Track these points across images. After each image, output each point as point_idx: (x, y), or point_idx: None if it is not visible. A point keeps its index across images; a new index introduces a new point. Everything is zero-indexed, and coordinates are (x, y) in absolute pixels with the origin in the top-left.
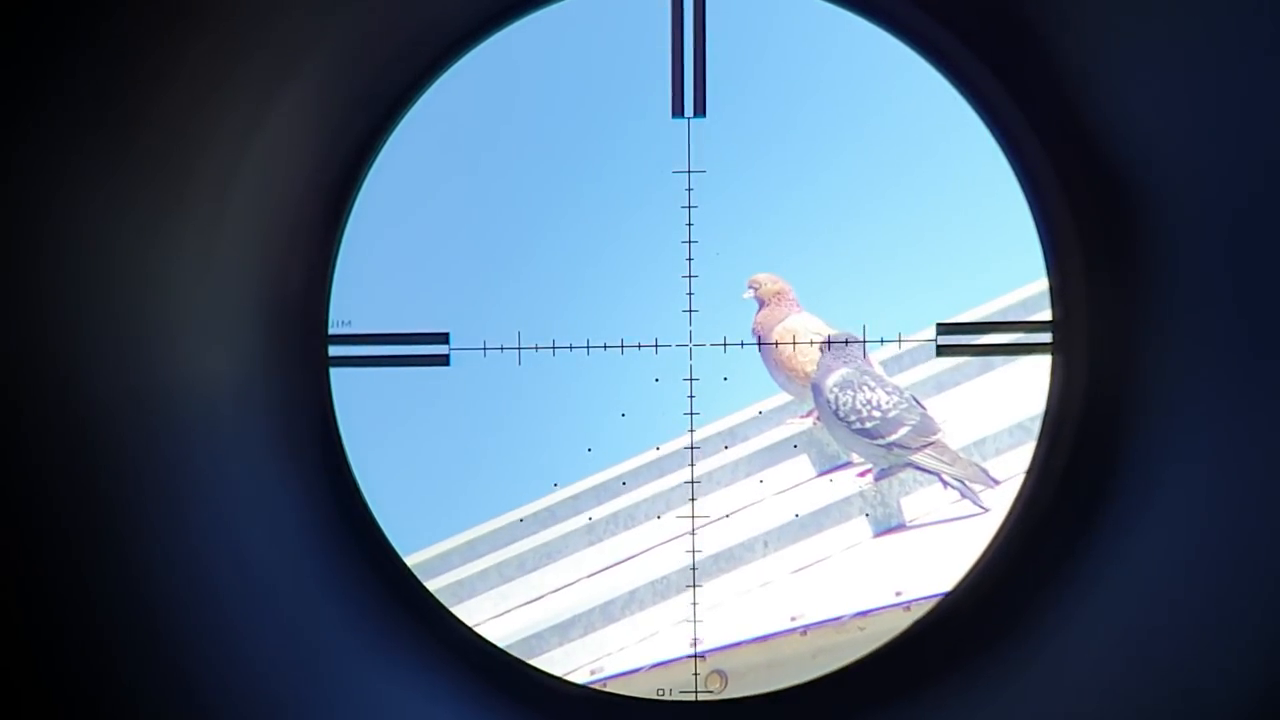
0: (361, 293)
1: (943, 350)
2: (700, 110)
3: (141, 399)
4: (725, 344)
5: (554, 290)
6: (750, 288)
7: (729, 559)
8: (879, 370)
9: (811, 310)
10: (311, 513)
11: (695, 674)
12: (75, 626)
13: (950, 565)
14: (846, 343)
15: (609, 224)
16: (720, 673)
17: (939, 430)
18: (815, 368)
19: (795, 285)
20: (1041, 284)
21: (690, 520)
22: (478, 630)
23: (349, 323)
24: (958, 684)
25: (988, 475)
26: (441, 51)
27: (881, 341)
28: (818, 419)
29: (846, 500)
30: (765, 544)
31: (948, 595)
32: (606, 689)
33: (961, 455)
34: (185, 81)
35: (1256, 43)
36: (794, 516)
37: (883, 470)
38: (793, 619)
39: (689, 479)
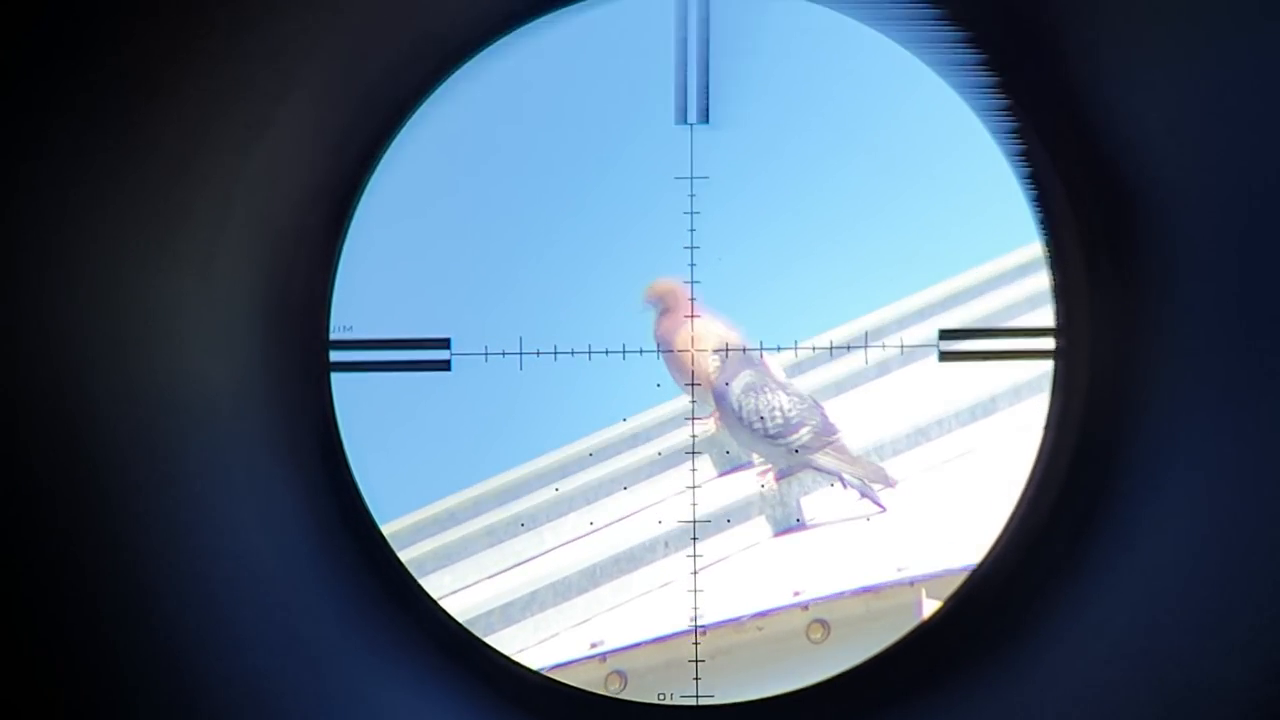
0: (363, 298)
1: (945, 356)
2: (704, 117)
3: (143, 404)
4: (726, 349)
5: (556, 296)
6: (648, 298)
7: (629, 559)
8: (780, 374)
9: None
10: (313, 518)
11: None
12: (74, 626)
13: (849, 564)
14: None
15: (612, 229)
16: (620, 673)
17: (838, 432)
18: (717, 372)
19: (797, 289)
20: (1041, 286)
21: (692, 525)
22: (475, 632)
23: (350, 328)
24: (960, 686)
25: (886, 475)
26: (444, 59)
27: (900, 347)
28: (719, 421)
29: (746, 500)
30: (665, 545)
31: (950, 598)
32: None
33: (861, 456)
34: (189, 89)
35: (1259, 43)
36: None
37: (784, 470)
38: (691, 619)
39: (690, 483)
